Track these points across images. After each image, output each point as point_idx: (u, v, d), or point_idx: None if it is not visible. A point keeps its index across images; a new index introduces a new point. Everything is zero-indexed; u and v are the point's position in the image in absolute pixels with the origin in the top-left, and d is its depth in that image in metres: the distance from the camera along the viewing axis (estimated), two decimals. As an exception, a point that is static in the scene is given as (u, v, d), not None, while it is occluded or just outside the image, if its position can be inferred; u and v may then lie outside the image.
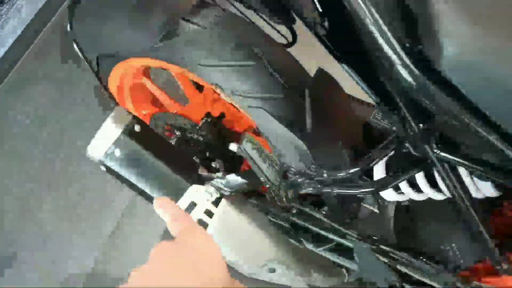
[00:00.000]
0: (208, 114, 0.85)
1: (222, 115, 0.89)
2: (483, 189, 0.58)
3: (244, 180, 0.66)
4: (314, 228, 0.79)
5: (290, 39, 0.80)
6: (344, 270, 0.87)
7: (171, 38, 0.70)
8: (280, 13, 0.55)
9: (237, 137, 0.90)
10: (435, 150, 0.48)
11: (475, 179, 0.56)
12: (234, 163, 0.84)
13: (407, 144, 0.59)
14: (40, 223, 1.30)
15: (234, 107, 0.83)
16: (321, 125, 0.65)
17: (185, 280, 0.37)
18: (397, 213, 0.79)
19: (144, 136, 0.65)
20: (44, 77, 1.47)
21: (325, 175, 0.61)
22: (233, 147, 0.64)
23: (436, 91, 0.37)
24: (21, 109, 1.43)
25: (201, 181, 0.68)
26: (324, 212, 0.78)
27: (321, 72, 0.71)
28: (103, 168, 0.65)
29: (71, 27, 0.77)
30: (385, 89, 0.47)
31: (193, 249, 0.40)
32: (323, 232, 0.78)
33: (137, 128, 0.65)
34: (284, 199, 0.66)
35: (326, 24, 0.46)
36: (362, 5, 0.37)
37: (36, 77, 1.47)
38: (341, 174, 0.60)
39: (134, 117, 0.66)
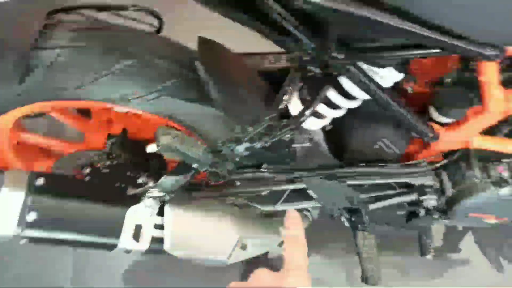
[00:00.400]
0: (110, 136, 0.79)
1: (124, 131, 0.83)
2: (387, 76, 0.62)
3: (177, 177, 0.62)
4: (263, 189, 0.79)
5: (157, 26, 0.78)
6: (307, 214, 0.89)
7: (30, 74, 0.62)
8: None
9: (151, 142, 0.85)
10: (337, 55, 0.50)
11: (376, 69, 0.59)
12: (159, 168, 0.79)
13: (311, 68, 0.60)
14: None
15: (134, 114, 0.78)
16: (226, 87, 0.64)
17: None
18: (327, 137, 0.83)
19: (52, 187, 0.58)
20: None
21: (250, 129, 0.60)
22: (151, 148, 0.60)
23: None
24: None
25: (136, 200, 0.63)
26: (264, 169, 0.77)
27: (202, 40, 0.69)
28: (23, 242, 0.57)
29: None
30: (273, 21, 0.46)
31: None
32: (273, 188, 0.78)
33: (40, 181, 0.57)
34: (226, 174, 0.64)
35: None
36: None
37: None
38: (263, 124, 0.60)
39: (31, 172, 0.58)
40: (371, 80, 0.58)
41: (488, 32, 0.47)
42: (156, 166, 0.81)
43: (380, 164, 0.77)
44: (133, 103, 0.65)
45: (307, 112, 0.63)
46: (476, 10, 0.44)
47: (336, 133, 0.80)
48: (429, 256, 0.88)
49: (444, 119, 0.71)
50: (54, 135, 0.87)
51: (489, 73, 0.60)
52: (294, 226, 0.46)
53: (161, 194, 0.63)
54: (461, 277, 1.15)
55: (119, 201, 0.62)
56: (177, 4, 1.39)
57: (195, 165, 0.62)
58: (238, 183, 0.78)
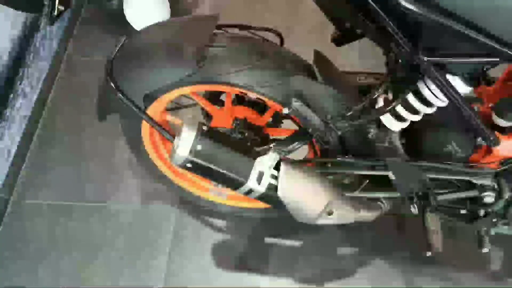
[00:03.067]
0: (236, 118, 1.06)
1: (245, 117, 1.10)
2: (457, 86, 0.83)
3: (295, 140, 0.87)
4: (349, 172, 1.00)
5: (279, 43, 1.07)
6: (381, 203, 1.07)
7: (203, 61, 0.91)
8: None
9: (262, 131, 1.11)
10: (426, 58, 0.72)
11: (449, 79, 0.80)
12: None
13: (400, 74, 0.83)
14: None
15: (253, 108, 1.06)
16: (331, 85, 0.89)
17: None
18: (402, 140, 1.02)
19: (211, 133, 0.85)
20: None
21: (353, 108, 0.84)
22: (285, 110, 0.85)
23: (419, 5, 0.61)
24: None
25: (261, 155, 0.88)
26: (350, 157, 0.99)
27: (317, 53, 0.96)
28: (189, 165, 0.83)
29: (113, 81, 0.96)
30: (380, 29, 0.71)
31: None
32: (358, 171, 0.98)
33: (204, 128, 0.84)
34: (330, 140, 0.87)
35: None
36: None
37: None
38: (361, 104, 0.83)
39: (199, 122, 0.85)
40: (449, 83, 0.79)
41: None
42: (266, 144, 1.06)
43: (448, 162, 0.95)
44: (264, 89, 0.91)
45: (388, 108, 0.85)
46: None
47: (411, 135, 1.00)
48: (485, 249, 1.01)
49: (503, 123, 0.89)
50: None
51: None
52: None
53: (281, 150, 0.87)
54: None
55: (250, 153, 0.87)
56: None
57: (310, 130, 0.86)
58: (329, 165, 1.01)
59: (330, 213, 0.95)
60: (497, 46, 0.67)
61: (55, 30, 1.78)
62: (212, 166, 0.83)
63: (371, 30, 0.74)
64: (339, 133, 0.86)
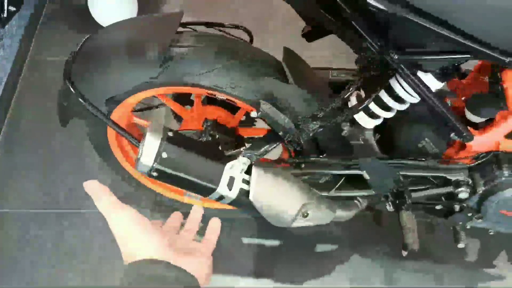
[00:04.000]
0: (206, 120, 1.02)
1: (215, 119, 1.06)
2: (430, 82, 0.81)
3: (266, 142, 0.84)
4: (323, 172, 0.97)
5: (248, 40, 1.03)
6: (357, 202, 1.05)
7: (167, 63, 0.87)
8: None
9: (234, 132, 1.08)
10: (395, 56, 0.70)
11: (421, 76, 0.78)
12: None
13: (372, 72, 0.81)
14: None
15: (223, 107, 1.02)
16: (303, 82, 0.85)
17: None
18: (377, 137, 1.01)
19: (177, 138, 0.81)
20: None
21: (324, 108, 0.81)
22: (254, 114, 0.82)
23: (386, 3, 0.59)
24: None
25: (231, 159, 0.84)
26: (325, 156, 0.97)
27: (287, 50, 0.92)
28: (154, 174, 0.79)
29: (70, 82, 0.90)
30: (350, 29, 0.68)
31: (116, 224, 0.49)
32: (332, 171, 0.96)
33: (170, 133, 0.80)
34: (301, 142, 0.84)
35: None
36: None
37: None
38: (333, 104, 0.81)
39: (165, 126, 0.81)
40: (420, 80, 0.77)
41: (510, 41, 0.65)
42: (239, 147, 1.02)
43: (422, 159, 0.94)
44: (235, 91, 0.87)
45: (365, 103, 0.82)
46: (501, 23, 0.63)
47: (385, 132, 0.99)
48: (461, 244, 1.01)
49: (476, 119, 0.87)
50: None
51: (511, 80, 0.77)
52: (211, 232, 0.59)
53: (252, 155, 0.84)
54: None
55: (220, 157, 0.83)
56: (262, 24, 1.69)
57: (280, 133, 0.82)
58: (303, 166, 0.98)
59: (305, 216, 0.93)
60: (467, 42, 0.65)
61: (15, 28, 1.69)
62: (179, 173, 0.80)
63: (339, 28, 0.71)
64: (311, 134, 0.83)
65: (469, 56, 0.68)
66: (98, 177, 1.43)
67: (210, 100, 1.10)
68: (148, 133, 0.78)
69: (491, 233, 1.07)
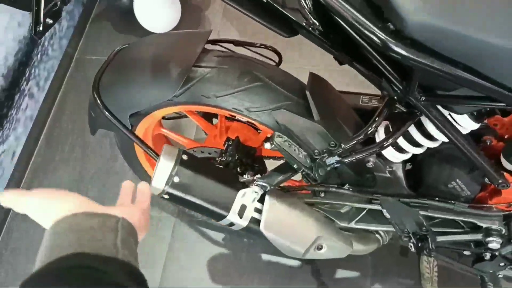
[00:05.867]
0: (228, 139, 1.01)
1: (238, 138, 1.04)
2: (463, 123, 0.74)
3: (280, 173, 0.81)
4: (343, 203, 0.93)
5: (277, 60, 1.01)
6: (378, 236, 1.00)
7: (189, 83, 0.86)
8: (283, 27, 0.70)
9: (256, 151, 1.06)
10: (420, 97, 0.65)
11: (455, 116, 0.72)
12: (261, 171, 0.99)
13: (397, 105, 0.75)
14: None
15: (249, 124, 1.00)
16: (326, 112, 0.81)
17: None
18: (406, 172, 0.95)
19: (191, 162, 0.80)
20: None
21: (342, 146, 0.77)
22: (267, 146, 0.79)
23: (410, 50, 0.54)
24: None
25: (245, 186, 0.83)
26: (347, 187, 0.92)
27: (312, 75, 0.88)
28: (166, 197, 0.79)
29: (99, 98, 0.93)
30: (372, 65, 0.64)
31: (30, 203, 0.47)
32: (351, 204, 0.92)
33: (184, 157, 0.80)
34: (316, 177, 0.81)
35: (318, 25, 0.62)
36: (338, 5, 0.55)
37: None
38: (353, 142, 0.76)
39: (180, 149, 0.81)
40: (449, 123, 0.71)
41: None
42: (258, 169, 1.00)
43: (451, 202, 0.87)
44: (252, 115, 0.85)
45: (389, 141, 0.77)
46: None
47: (414, 168, 0.92)
48: (489, 296, 0.93)
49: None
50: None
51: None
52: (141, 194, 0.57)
53: (266, 184, 0.81)
54: None
55: (234, 183, 0.82)
56: (292, 46, 1.64)
57: (294, 166, 0.79)
58: (322, 195, 0.94)
59: (319, 248, 0.89)
60: (501, 90, 0.58)
61: (65, 28, 1.77)
62: (190, 198, 0.79)
63: (362, 68, 0.67)
64: (328, 169, 0.79)
65: (503, 104, 0.62)
66: (128, 179, 1.48)
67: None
68: (162, 156, 0.78)
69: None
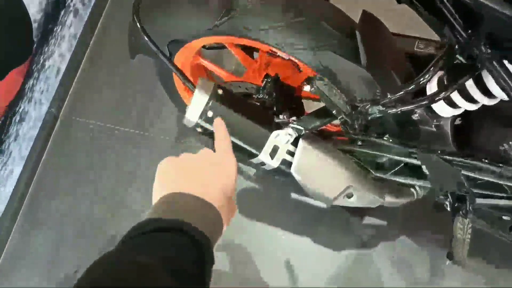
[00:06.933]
0: (267, 75, 0.96)
1: (277, 75, 0.99)
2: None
3: (316, 118, 0.77)
4: (380, 154, 0.89)
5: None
6: (413, 190, 0.97)
7: (230, 13, 0.81)
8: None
9: (295, 90, 1.01)
10: (486, 49, 0.57)
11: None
12: (298, 113, 0.95)
13: (457, 56, 0.67)
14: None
15: (292, 62, 0.95)
16: (375, 57, 0.75)
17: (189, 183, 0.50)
18: (454, 128, 0.88)
19: (226, 98, 0.78)
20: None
21: (389, 95, 0.71)
22: (307, 88, 0.75)
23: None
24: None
25: (279, 127, 0.80)
26: (387, 138, 0.87)
27: (365, 14, 0.80)
28: (199, 130, 0.78)
29: (139, 22, 0.89)
30: (435, 6, 0.56)
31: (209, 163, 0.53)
32: (389, 156, 0.87)
33: (220, 91, 0.77)
34: (356, 126, 0.77)
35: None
36: None
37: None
38: (401, 92, 0.70)
39: (215, 83, 0.78)
40: (512, 79, 0.63)
41: None
42: (295, 110, 0.97)
43: (499, 164, 0.81)
44: (297, 52, 0.80)
45: (441, 95, 0.70)
46: None
47: (463, 125, 0.85)
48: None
49: None
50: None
51: None
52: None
53: (301, 128, 0.78)
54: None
55: (268, 123, 0.79)
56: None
57: (333, 111, 0.75)
58: (360, 143, 0.90)
59: (349, 197, 0.88)
60: None
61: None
62: (223, 134, 0.78)
63: (423, 10, 0.59)
64: (369, 118, 0.75)
65: None
66: (169, 105, 1.50)
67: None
68: (197, 90, 0.76)
69: None
